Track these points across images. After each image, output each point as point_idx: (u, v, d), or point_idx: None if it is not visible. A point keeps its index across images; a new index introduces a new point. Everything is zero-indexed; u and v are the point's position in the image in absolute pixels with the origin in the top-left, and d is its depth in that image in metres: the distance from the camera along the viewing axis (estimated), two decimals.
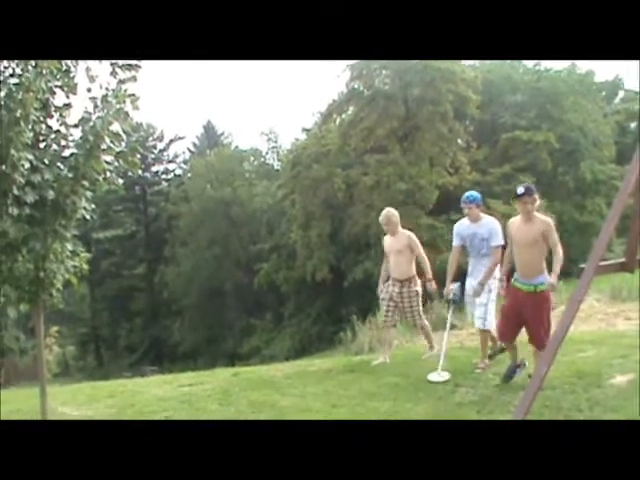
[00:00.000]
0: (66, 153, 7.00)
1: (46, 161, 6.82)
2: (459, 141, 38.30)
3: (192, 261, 50.22)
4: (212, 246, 49.59)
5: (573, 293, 5.21)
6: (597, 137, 39.72)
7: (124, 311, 56.78)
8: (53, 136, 6.97)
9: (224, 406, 7.60)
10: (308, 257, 40.13)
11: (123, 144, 7.30)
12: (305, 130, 50.00)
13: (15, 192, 6.49)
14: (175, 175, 62.19)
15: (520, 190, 7.51)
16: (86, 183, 6.90)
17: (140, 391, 9.40)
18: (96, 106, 6.98)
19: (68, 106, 6.96)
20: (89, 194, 7.01)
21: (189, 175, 58.20)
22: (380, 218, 10.37)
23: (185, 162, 62.83)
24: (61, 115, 6.95)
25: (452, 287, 9.28)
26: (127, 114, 7.03)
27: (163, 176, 61.80)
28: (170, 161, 62.66)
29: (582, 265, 5.13)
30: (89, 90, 6.95)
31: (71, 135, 7.00)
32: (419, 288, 9.96)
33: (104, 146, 6.91)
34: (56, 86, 6.77)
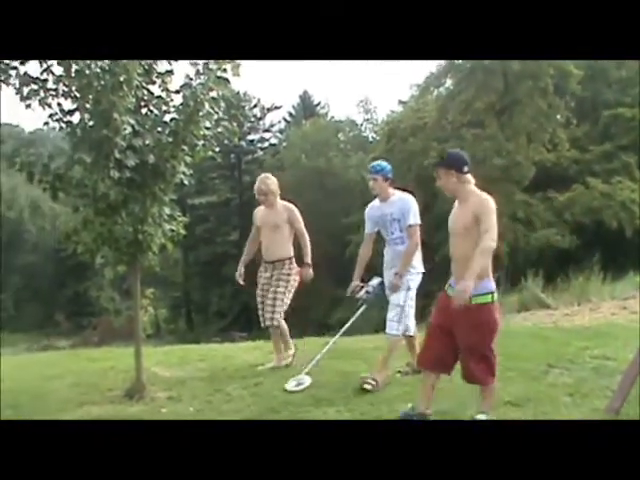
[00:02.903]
0: (167, 118, 7.12)
1: (147, 126, 6.95)
2: (558, 117, 37.33)
3: None
4: (305, 215, 49.72)
5: None
6: None
7: (216, 277, 57.61)
8: (155, 101, 7.10)
9: (313, 375, 7.63)
10: None
11: (222, 112, 7.37)
12: (401, 102, 49.62)
13: (117, 155, 6.65)
14: (270, 144, 62.54)
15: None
16: (185, 148, 7.00)
17: (231, 355, 9.53)
18: (197, 72, 7.06)
19: (170, 72, 7.07)
20: (188, 159, 7.11)
21: (284, 144, 58.48)
22: (256, 185, 8.46)
23: (281, 131, 63.14)
24: (163, 81, 7.07)
25: (359, 284, 7.64)
26: (227, 81, 7.09)
27: (259, 145, 62.24)
28: (266, 130, 63.04)
29: None
30: None
31: (172, 100, 7.11)
32: (293, 276, 8.30)
33: (204, 112, 6.99)
34: None
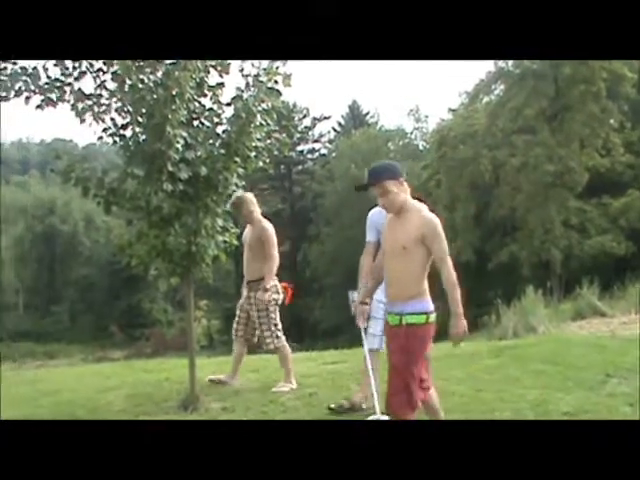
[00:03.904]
0: (219, 130, 7.17)
1: (199, 138, 7.00)
2: (612, 121, 36.81)
3: (336, 240, 50.46)
4: (356, 226, 49.65)
5: None
6: None
7: None
8: (206, 114, 7.15)
9: (368, 387, 7.59)
10: (452, 239, 39.67)
11: (273, 123, 7.40)
12: (451, 110, 49.41)
13: (170, 168, 6.70)
14: (320, 154, 62.74)
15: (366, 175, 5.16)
16: (238, 160, 7.03)
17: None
18: (248, 84, 7.10)
19: (221, 85, 7.12)
20: (240, 171, 7.14)
21: (334, 154, 58.59)
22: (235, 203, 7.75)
23: (330, 141, 63.26)
24: (214, 94, 7.11)
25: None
26: (278, 92, 7.11)
27: (308, 155, 62.47)
28: (315, 140, 63.25)
29: None
30: (242, 70, 7.07)
31: (223, 113, 7.16)
32: (275, 296, 7.98)
33: (256, 123, 7.02)
34: (211, 65, 6.92)
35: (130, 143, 7.04)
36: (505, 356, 9.30)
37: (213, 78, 7.07)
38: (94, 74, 6.76)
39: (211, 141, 7.08)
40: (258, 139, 7.11)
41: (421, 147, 57.66)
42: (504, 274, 35.82)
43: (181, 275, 7.40)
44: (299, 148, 61.22)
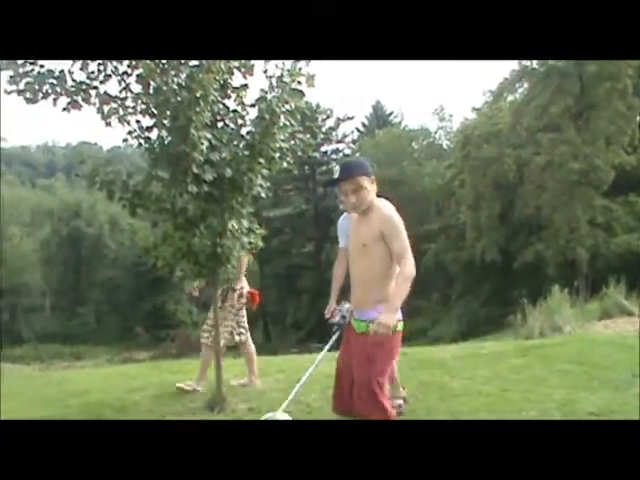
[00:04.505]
0: (243, 132, 7.18)
1: (224, 140, 7.01)
2: (638, 118, 36.45)
3: None
4: None
5: None
6: None
7: (291, 288, 57.99)
8: (230, 115, 7.16)
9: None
10: (477, 238, 39.62)
11: (297, 124, 7.40)
12: (475, 109, 49.23)
13: (194, 170, 6.72)
14: (344, 155, 62.66)
15: (336, 172, 4.97)
16: (262, 161, 7.04)
17: (308, 367, 9.53)
18: (272, 85, 7.11)
19: (245, 86, 7.12)
20: (265, 172, 7.15)
21: (358, 155, 58.55)
22: None
23: (354, 142, 63.18)
24: (238, 95, 7.12)
25: (337, 307, 5.98)
26: (302, 93, 7.12)
27: (332, 156, 62.42)
28: (339, 141, 63.18)
29: None
30: (265, 71, 7.08)
31: (247, 114, 7.17)
32: (230, 301, 8.09)
33: (280, 124, 7.03)
34: (234, 67, 6.93)
35: (155, 145, 7.06)
36: (531, 356, 9.27)
37: (237, 80, 7.09)
38: (119, 77, 6.80)
39: (235, 143, 7.08)
40: (282, 140, 7.11)
41: (445, 146, 57.46)
42: (529, 273, 35.63)
43: (206, 276, 7.43)
44: (323, 149, 61.19)
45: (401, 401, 6.83)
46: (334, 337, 5.79)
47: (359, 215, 4.87)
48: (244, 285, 8.19)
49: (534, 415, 6.24)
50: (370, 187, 4.78)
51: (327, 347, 5.94)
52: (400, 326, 4.75)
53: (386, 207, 4.76)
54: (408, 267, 4.53)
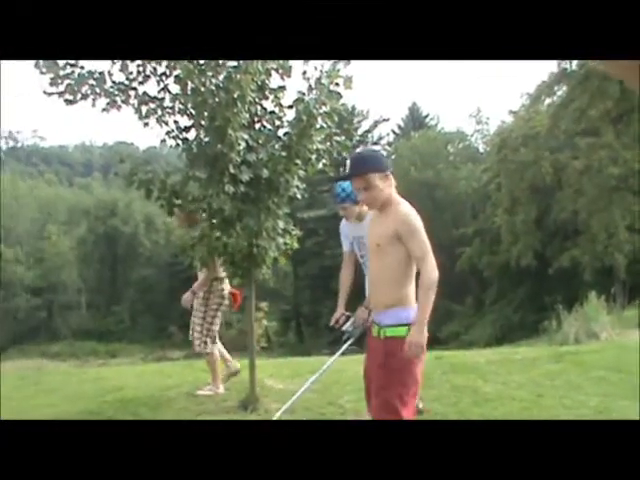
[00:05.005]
0: (280, 133, 7.20)
1: (261, 141, 7.05)
2: None
3: None
4: None
5: None
6: None
7: (325, 290, 57.92)
8: (268, 116, 7.19)
9: (425, 389, 7.56)
10: (513, 242, 39.33)
11: (334, 125, 7.41)
12: (512, 112, 48.88)
13: (231, 171, 6.76)
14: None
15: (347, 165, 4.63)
16: (299, 162, 7.06)
17: (342, 369, 9.52)
18: (310, 87, 7.12)
19: (282, 88, 7.16)
20: (301, 173, 7.17)
21: (393, 157, 58.46)
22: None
23: (389, 144, 63.03)
24: (276, 97, 7.15)
25: (345, 314, 6.07)
26: (340, 95, 7.13)
27: None
28: (375, 143, 62.95)
29: None
30: (304, 73, 7.10)
31: (285, 115, 7.19)
32: (213, 299, 7.92)
33: (317, 126, 7.04)
34: (272, 68, 6.97)
35: (192, 146, 7.12)
36: (566, 362, 9.19)
37: (274, 81, 7.12)
38: (157, 78, 6.87)
39: (272, 143, 7.12)
40: (319, 141, 7.12)
41: (481, 150, 57.16)
42: (565, 279, 35.33)
43: (242, 276, 7.46)
44: (358, 151, 61.06)
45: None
46: (345, 346, 5.92)
47: (375, 212, 4.60)
48: (225, 287, 8.02)
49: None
50: (383, 184, 4.40)
51: (335, 357, 6.07)
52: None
53: (404, 205, 4.43)
54: (428, 274, 4.19)
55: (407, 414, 4.33)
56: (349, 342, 5.91)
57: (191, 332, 8.01)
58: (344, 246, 6.81)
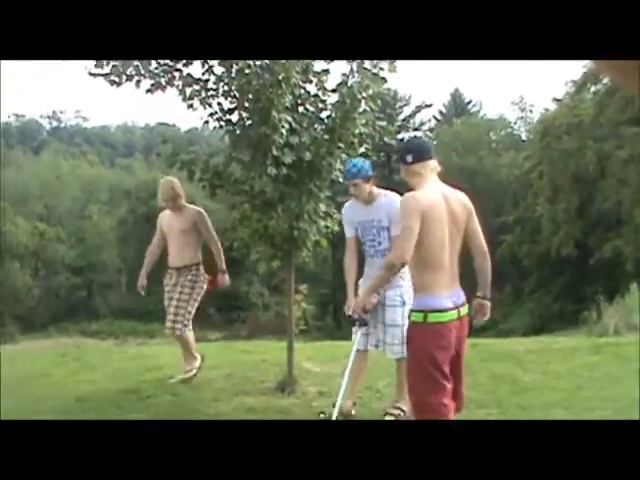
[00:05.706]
0: (323, 116, 7.19)
1: (304, 124, 7.03)
2: None
3: None
4: None
5: None
6: None
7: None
8: (311, 100, 7.18)
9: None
10: (554, 231, 38.88)
11: (377, 110, 7.38)
12: (556, 100, 48.27)
13: (274, 153, 6.76)
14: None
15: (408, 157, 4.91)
16: (342, 145, 7.04)
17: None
18: (352, 71, 7.09)
19: (326, 72, 7.14)
20: (344, 156, 7.15)
21: (435, 143, 58.08)
22: (162, 190, 7.97)
23: (431, 130, 62.61)
24: (319, 80, 7.13)
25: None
26: (384, 79, 7.09)
27: None
28: (416, 129, 62.64)
29: None
30: None
31: (328, 98, 7.17)
32: (199, 283, 8.08)
33: (360, 109, 7.01)
34: None
35: (236, 127, 7.14)
36: (605, 353, 9.08)
37: (318, 64, 7.11)
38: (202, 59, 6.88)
39: (315, 126, 7.11)
40: (362, 125, 7.09)
41: (524, 137, 56.56)
42: (606, 269, 34.86)
43: (282, 259, 7.48)
44: (399, 136, 60.82)
45: (399, 412, 6.37)
46: (358, 335, 6.08)
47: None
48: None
49: (608, 415, 6.11)
50: (424, 171, 4.86)
51: (355, 346, 5.99)
52: (434, 317, 4.41)
53: (409, 192, 4.69)
54: (391, 255, 4.58)
55: (418, 397, 4.49)
56: (363, 329, 6.10)
57: (172, 314, 8.03)
58: (347, 232, 6.69)
